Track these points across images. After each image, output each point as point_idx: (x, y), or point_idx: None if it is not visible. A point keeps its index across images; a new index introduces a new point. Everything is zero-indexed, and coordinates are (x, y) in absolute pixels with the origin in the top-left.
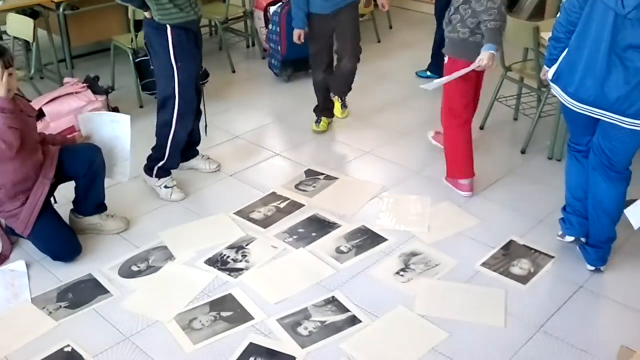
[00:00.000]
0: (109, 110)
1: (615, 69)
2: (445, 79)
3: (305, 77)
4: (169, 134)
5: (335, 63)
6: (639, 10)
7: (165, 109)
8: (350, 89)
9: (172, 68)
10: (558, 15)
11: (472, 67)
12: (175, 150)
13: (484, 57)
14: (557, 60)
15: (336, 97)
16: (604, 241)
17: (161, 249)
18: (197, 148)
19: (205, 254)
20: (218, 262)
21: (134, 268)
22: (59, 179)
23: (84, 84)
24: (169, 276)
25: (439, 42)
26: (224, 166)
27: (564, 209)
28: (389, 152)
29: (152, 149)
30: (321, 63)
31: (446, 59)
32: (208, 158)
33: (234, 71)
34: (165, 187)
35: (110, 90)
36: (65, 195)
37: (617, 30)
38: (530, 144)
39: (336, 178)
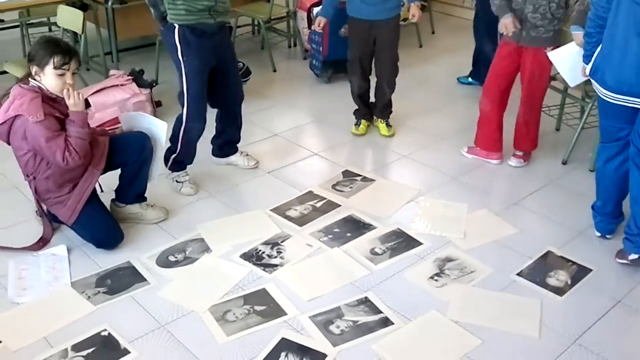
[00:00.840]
0: (152, 104)
1: None
2: (568, 49)
3: (345, 79)
4: (180, 129)
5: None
6: None
7: (181, 104)
8: (391, 111)
9: (180, 63)
10: (589, 12)
11: (571, 46)
12: (187, 146)
13: (576, 39)
14: (592, 55)
15: (379, 119)
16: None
17: (198, 241)
18: (237, 145)
19: (241, 249)
20: (253, 257)
21: (172, 258)
22: (107, 167)
23: (129, 77)
24: (205, 268)
25: (479, 52)
26: (263, 163)
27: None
28: (427, 156)
29: (169, 139)
30: (357, 71)
31: (549, 49)
32: (247, 155)
33: (275, 70)
34: (176, 181)
35: (154, 84)
36: (107, 184)
37: None
38: (572, 155)
39: (373, 180)
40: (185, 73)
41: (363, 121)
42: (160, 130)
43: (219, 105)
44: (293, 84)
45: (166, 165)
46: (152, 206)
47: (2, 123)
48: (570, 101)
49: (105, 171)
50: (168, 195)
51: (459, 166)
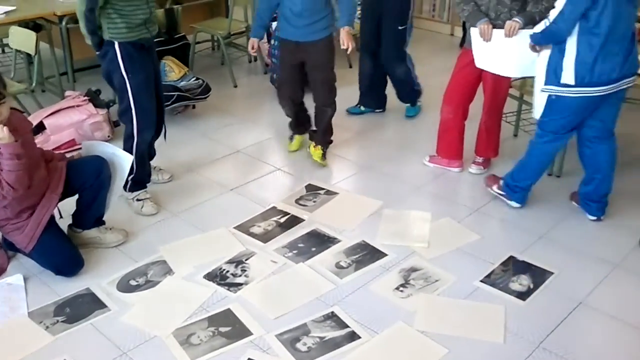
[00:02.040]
0: (110, 124)
1: (630, 45)
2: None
3: (306, 92)
4: (132, 146)
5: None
6: None
7: (126, 122)
8: (331, 141)
9: (124, 79)
10: (556, 22)
11: (496, 33)
12: (141, 161)
13: (511, 26)
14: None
15: (319, 146)
16: (607, 194)
17: (160, 264)
18: (150, 162)
19: (205, 269)
20: (217, 276)
21: (133, 282)
22: (65, 193)
23: (86, 98)
24: (167, 291)
25: (376, 77)
26: (226, 181)
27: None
28: (390, 167)
29: None
30: (285, 94)
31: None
32: (160, 169)
33: (235, 86)
34: (137, 199)
35: (111, 104)
36: (64, 209)
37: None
38: None
39: (336, 193)
40: (132, 89)
41: (296, 136)
42: (124, 161)
43: None
44: (254, 99)
45: (125, 189)
46: (110, 229)
47: None
48: (526, 108)
49: (63, 197)
50: (128, 218)
51: (421, 175)
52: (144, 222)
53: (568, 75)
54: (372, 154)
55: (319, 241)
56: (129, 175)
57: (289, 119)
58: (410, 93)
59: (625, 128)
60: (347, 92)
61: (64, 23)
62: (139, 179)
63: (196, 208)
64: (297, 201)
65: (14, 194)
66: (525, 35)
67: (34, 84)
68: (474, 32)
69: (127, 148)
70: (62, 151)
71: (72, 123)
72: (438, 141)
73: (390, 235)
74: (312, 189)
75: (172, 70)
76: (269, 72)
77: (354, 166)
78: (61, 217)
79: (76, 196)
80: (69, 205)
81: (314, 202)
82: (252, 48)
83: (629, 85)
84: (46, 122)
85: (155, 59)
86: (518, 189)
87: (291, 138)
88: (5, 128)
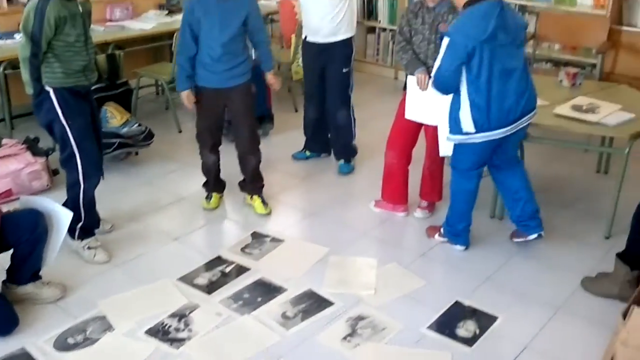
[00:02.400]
0: (49, 173)
1: (521, 85)
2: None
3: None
4: (79, 193)
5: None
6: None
7: (69, 170)
8: (263, 184)
9: (64, 127)
10: (437, 79)
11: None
12: (89, 208)
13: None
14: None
15: (255, 196)
16: (537, 210)
17: (99, 319)
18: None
19: (146, 324)
20: (159, 332)
21: (70, 340)
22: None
23: (23, 145)
24: (106, 349)
25: (320, 123)
26: (169, 229)
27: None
28: (336, 212)
29: (70, 209)
30: (207, 142)
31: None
32: (101, 219)
33: (180, 131)
34: (89, 248)
35: (50, 152)
36: None
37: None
38: None
39: (282, 240)
40: (73, 135)
41: (214, 194)
42: (64, 218)
43: None
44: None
45: (73, 237)
46: (47, 284)
47: None
48: None
49: None
50: (65, 271)
51: (367, 220)
52: (83, 275)
53: (467, 124)
54: (318, 200)
55: (265, 290)
56: (76, 223)
57: (205, 179)
58: (347, 147)
59: (561, 170)
60: (293, 137)
61: (1, 68)
62: (88, 226)
63: (138, 259)
64: (242, 249)
65: None
66: None
67: None
68: (411, 80)
69: (73, 196)
70: None
71: (8, 172)
72: (383, 186)
73: (336, 282)
74: (257, 237)
75: (114, 117)
76: None
77: (299, 212)
78: None
79: (11, 251)
80: (4, 259)
81: (260, 250)
82: (188, 102)
83: (529, 121)
84: None
85: (94, 105)
86: (457, 231)
87: (209, 197)
88: None
